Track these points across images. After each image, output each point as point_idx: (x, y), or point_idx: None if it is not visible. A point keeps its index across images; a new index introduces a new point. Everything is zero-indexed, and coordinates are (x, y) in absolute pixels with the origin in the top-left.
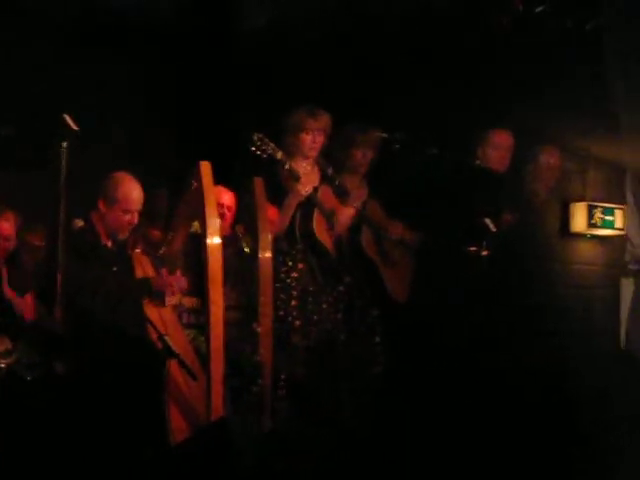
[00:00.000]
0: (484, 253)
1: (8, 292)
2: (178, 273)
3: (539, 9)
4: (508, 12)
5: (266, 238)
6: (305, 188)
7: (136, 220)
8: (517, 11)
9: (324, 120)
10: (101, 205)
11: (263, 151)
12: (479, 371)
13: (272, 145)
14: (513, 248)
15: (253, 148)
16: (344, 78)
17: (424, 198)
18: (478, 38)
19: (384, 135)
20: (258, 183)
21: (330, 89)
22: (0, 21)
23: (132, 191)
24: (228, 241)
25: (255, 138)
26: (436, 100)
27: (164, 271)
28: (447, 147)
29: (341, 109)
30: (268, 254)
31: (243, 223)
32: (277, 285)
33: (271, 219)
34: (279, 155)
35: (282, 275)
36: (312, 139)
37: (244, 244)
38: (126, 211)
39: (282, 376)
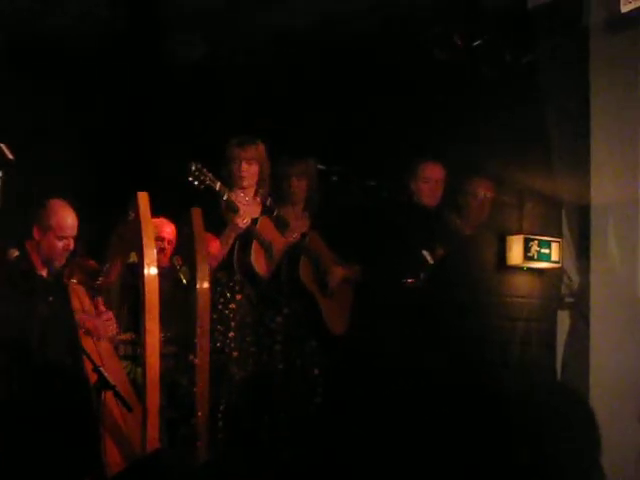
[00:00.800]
0: (421, 285)
1: None
2: (108, 315)
3: (476, 43)
4: (447, 46)
5: (204, 269)
6: (243, 220)
7: (72, 246)
8: (456, 45)
9: (253, 150)
10: (35, 233)
11: (201, 182)
12: (414, 402)
13: (210, 176)
14: (448, 280)
15: (190, 178)
16: (281, 109)
17: (361, 230)
18: (416, 70)
19: (321, 167)
20: (196, 213)
21: (267, 120)
22: None
23: (66, 217)
24: (166, 272)
25: (193, 168)
26: (372, 132)
27: (95, 311)
28: (382, 180)
29: (279, 140)
30: (206, 285)
31: (181, 254)
32: (215, 316)
33: (213, 251)
34: (217, 186)
35: (220, 306)
36: (244, 168)
37: (181, 275)
38: (60, 237)
39: (220, 407)
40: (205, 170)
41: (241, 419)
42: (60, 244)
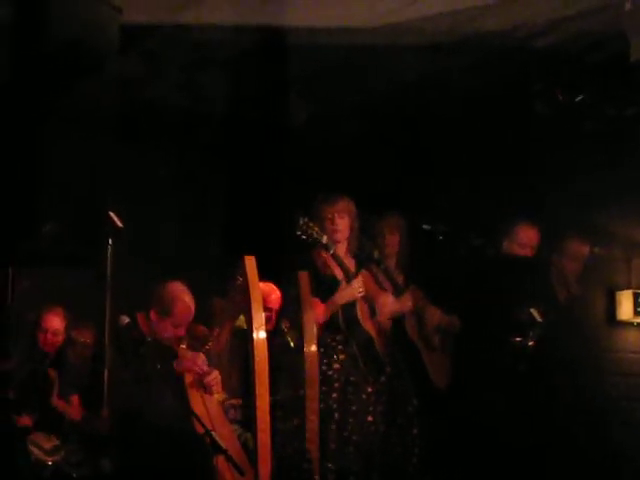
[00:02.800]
0: (530, 343)
1: (57, 399)
2: (215, 374)
3: (579, 98)
4: (548, 101)
5: (311, 332)
6: (359, 289)
7: (184, 332)
8: (557, 100)
9: (340, 204)
10: (153, 314)
11: (309, 235)
12: (522, 462)
13: (317, 229)
14: (559, 338)
15: (299, 232)
16: (381, 170)
17: (465, 286)
18: (517, 126)
19: (426, 227)
20: (303, 277)
21: (369, 181)
22: (45, 117)
23: (187, 307)
24: (273, 336)
25: (301, 222)
26: (470, 191)
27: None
28: (486, 238)
29: (378, 200)
30: (313, 348)
31: (288, 317)
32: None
33: (318, 314)
34: (324, 239)
35: (324, 367)
36: (337, 222)
37: (289, 338)
38: (178, 325)
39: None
40: (312, 224)
41: None
42: (175, 330)
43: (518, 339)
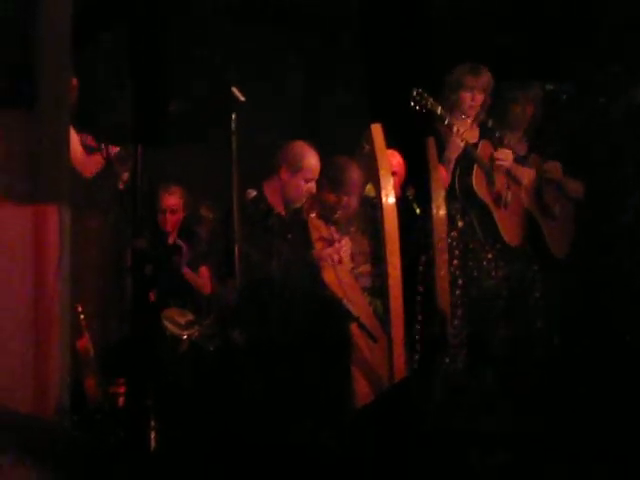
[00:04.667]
0: None
1: (187, 269)
2: (345, 241)
3: None
4: None
5: (440, 197)
6: (461, 137)
7: (314, 189)
8: None
9: (485, 78)
10: (283, 173)
11: (422, 106)
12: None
13: (431, 100)
14: None
15: (412, 103)
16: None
17: (590, 149)
18: None
19: (549, 87)
20: (430, 143)
21: (493, 45)
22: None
23: (314, 161)
24: (398, 203)
25: (414, 93)
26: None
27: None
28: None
29: (503, 66)
30: (442, 212)
31: (412, 185)
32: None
33: (441, 176)
34: (438, 110)
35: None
36: (471, 97)
37: (415, 205)
38: (308, 180)
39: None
40: (426, 95)
41: (485, 345)
42: (306, 186)
43: None
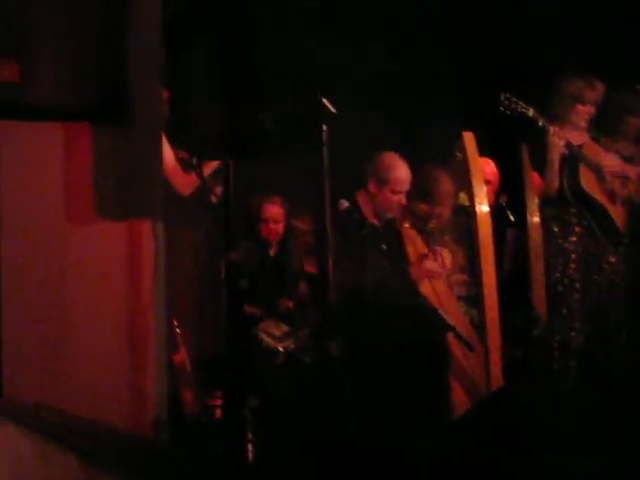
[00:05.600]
0: None
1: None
2: (443, 254)
3: None
4: None
5: (533, 204)
6: (559, 136)
7: (404, 201)
8: None
9: (600, 91)
10: (371, 186)
11: (512, 110)
12: None
13: (521, 103)
14: None
15: (502, 108)
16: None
17: None
18: None
19: None
20: (524, 150)
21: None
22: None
23: (402, 172)
24: (492, 211)
25: (502, 98)
26: None
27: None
28: None
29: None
30: (536, 219)
31: (506, 192)
32: (553, 250)
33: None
34: (531, 112)
35: (559, 240)
36: (586, 110)
37: (509, 213)
38: (396, 192)
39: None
40: (515, 99)
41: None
42: (395, 198)
43: None
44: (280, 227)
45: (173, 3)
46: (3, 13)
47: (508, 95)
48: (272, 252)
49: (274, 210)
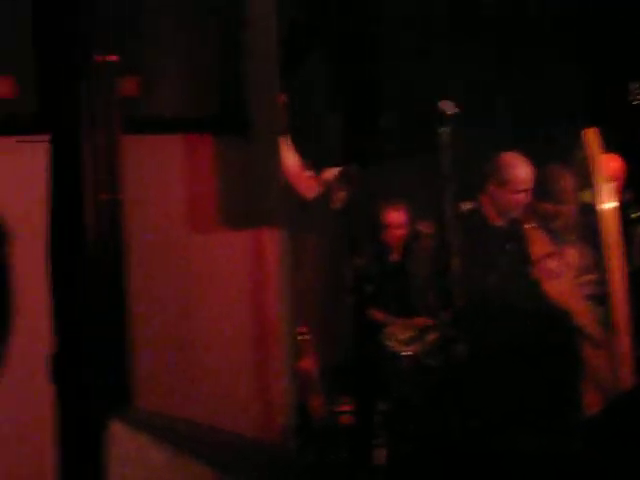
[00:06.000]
0: None
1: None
2: (570, 254)
3: None
4: None
5: None
6: None
7: (528, 199)
8: None
9: None
10: (492, 186)
11: None
12: None
13: None
14: None
15: (631, 98)
16: None
17: None
18: None
19: None
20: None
21: None
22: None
23: (522, 171)
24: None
25: (631, 87)
26: None
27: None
28: None
29: None
30: None
31: (631, 188)
32: None
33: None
34: None
35: None
36: None
37: (632, 210)
38: (517, 192)
39: None
40: None
41: None
42: (516, 198)
43: None
44: (403, 232)
45: (290, 12)
46: (122, 29)
47: (638, 85)
48: (395, 257)
49: (397, 216)
